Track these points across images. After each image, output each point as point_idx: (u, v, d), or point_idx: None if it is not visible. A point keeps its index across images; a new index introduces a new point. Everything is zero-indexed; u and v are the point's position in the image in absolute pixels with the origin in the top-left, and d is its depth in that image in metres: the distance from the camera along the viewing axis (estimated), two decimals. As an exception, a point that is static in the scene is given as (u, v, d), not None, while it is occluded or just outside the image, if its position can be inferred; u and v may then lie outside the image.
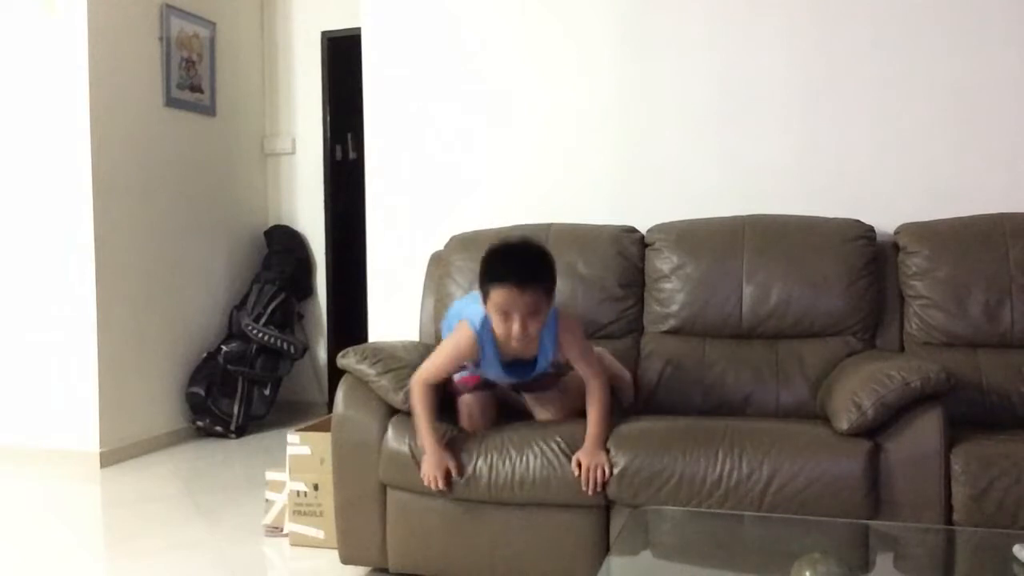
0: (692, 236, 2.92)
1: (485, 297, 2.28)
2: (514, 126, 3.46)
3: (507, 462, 2.36)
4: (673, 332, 2.89)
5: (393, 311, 3.59)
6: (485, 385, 2.53)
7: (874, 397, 2.19)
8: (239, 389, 4.65)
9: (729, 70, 3.20)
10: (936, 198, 2.99)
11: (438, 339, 3.08)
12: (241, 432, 4.63)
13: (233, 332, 4.83)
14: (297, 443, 2.94)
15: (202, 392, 4.55)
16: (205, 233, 4.80)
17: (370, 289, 3.64)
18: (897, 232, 2.87)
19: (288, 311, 4.96)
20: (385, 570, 2.59)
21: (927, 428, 2.19)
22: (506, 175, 3.47)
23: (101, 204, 4.07)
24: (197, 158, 4.73)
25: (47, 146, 4.11)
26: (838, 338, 2.76)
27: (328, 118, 5.22)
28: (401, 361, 2.58)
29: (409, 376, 2.52)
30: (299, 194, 5.29)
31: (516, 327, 2.24)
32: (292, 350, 4.82)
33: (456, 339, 2.39)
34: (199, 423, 4.58)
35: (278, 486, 3.05)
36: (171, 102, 4.51)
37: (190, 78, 4.64)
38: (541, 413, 2.54)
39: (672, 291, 2.89)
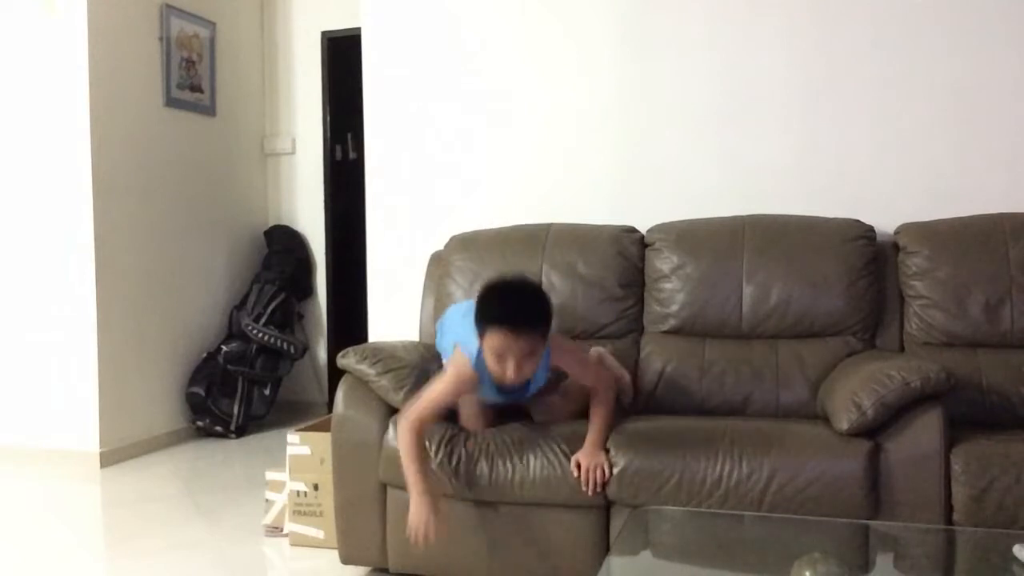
0: (692, 236, 2.92)
1: (481, 335, 2.24)
2: (514, 126, 3.46)
3: (507, 462, 2.36)
4: (673, 332, 2.89)
5: (393, 311, 3.59)
6: None
7: (874, 397, 2.19)
8: (239, 389, 4.65)
9: (729, 70, 3.20)
10: (936, 198, 2.99)
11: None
12: (241, 432, 4.64)
13: (233, 332, 4.83)
14: (297, 443, 2.94)
15: (202, 392, 4.55)
16: (205, 233, 4.80)
17: (370, 289, 3.64)
18: (897, 232, 2.87)
19: (288, 311, 4.96)
20: (385, 570, 2.59)
21: (927, 428, 2.19)
22: (506, 175, 3.47)
23: (101, 204, 4.07)
24: (197, 158, 4.73)
25: (47, 146, 4.11)
26: (838, 338, 2.76)
27: (328, 118, 5.22)
28: (401, 361, 2.58)
29: (409, 376, 2.52)
30: (299, 194, 5.29)
31: (510, 370, 2.22)
32: (292, 350, 4.82)
33: (456, 375, 2.34)
34: (199, 423, 4.58)
35: (278, 486, 3.05)
36: (171, 102, 4.51)
37: (190, 78, 4.65)
38: (542, 415, 2.54)
39: (672, 291, 2.89)
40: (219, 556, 2.89)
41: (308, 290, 5.22)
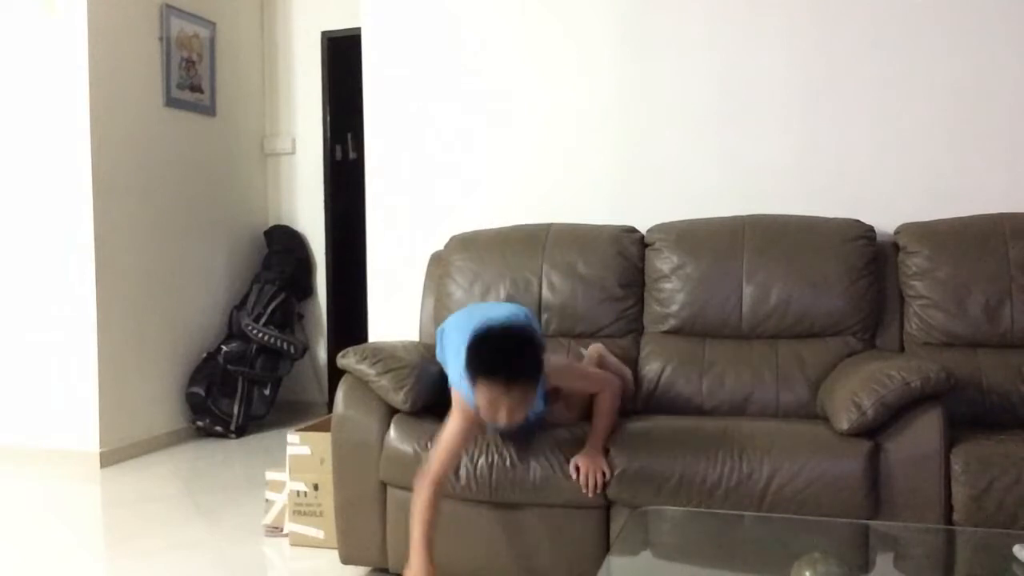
0: (692, 236, 2.92)
1: (471, 384, 2.19)
2: (514, 126, 3.46)
3: (507, 462, 2.36)
4: (673, 332, 2.89)
5: (393, 311, 3.59)
6: None
7: (874, 397, 2.19)
8: (239, 389, 4.65)
9: (729, 70, 3.20)
10: (936, 198, 2.99)
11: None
12: (241, 432, 4.64)
13: (233, 332, 4.83)
14: (297, 443, 2.94)
15: (202, 392, 4.55)
16: (205, 233, 4.80)
17: (370, 289, 3.64)
18: (897, 232, 2.87)
19: (288, 311, 4.96)
20: (385, 570, 2.59)
21: (927, 428, 2.19)
22: (506, 175, 3.47)
23: (101, 204, 4.07)
24: (197, 158, 4.73)
25: (47, 146, 4.11)
26: (838, 338, 2.76)
27: (328, 118, 5.22)
28: (401, 361, 2.58)
29: (409, 376, 2.52)
30: (299, 194, 5.29)
31: (503, 418, 2.20)
32: (292, 350, 4.82)
33: (462, 420, 2.29)
34: (199, 423, 4.58)
35: (278, 486, 3.05)
36: (171, 102, 4.51)
37: (190, 78, 4.65)
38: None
39: (672, 291, 2.89)
40: (219, 556, 2.89)
41: (308, 290, 5.22)
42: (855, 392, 2.24)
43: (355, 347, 2.63)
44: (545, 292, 2.96)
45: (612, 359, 2.72)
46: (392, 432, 2.50)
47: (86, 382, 4.08)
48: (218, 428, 4.57)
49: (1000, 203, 2.93)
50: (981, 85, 2.97)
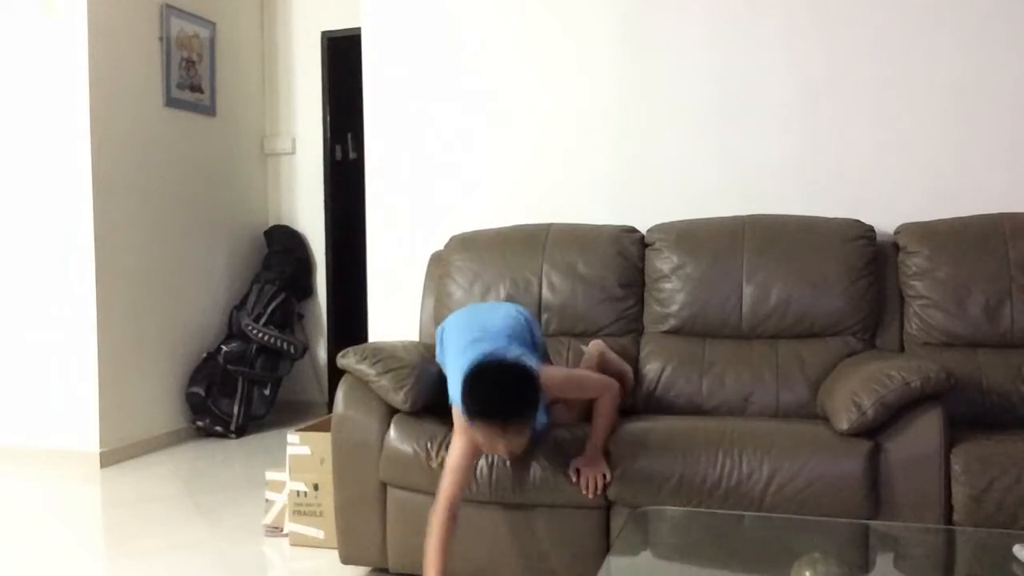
0: (692, 236, 2.92)
1: (469, 422, 2.18)
2: (514, 126, 3.46)
3: (507, 462, 2.36)
4: (673, 332, 2.89)
5: (393, 311, 3.59)
6: None
7: (874, 397, 2.19)
8: (239, 389, 4.65)
9: (729, 70, 3.20)
10: (936, 198, 2.99)
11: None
12: (241, 432, 4.64)
13: (233, 332, 4.83)
14: (297, 443, 2.94)
15: (202, 392, 4.55)
16: (205, 233, 4.80)
17: (370, 289, 3.64)
18: (897, 232, 2.87)
19: (288, 311, 4.96)
20: (385, 570, 2.59)
21: (927, 428, 2.19)
22: (506, 175, 3.47)
23: (101, 204, 4.07)
24: (197, 158, 4.73)
25: (47, 146, 4.11)
26: (838, 338, 2.76)
27: (328, 118, 5.22)
28: (401, 361, 2.58)
29: (409, 376, 2.52)
30: (299, 194, 5.30)
31: (501, 452, 2.22)
32: (292, 350, 4.82)
33: (465, 438, 2.27)
34: (199, 423, 4.58)
35: (278, 486, 3.05)
36: (171, 102, 4.51)
37: (190, 78, 4.65)
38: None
39: (672, 291, 2.89)
40: (219, 556, 2.89)
41: (308, 290, 5.22)
42: (855, 392, 2.24)
43: (355, 347, 2.63)
44: (545, 292, 2.96)
45: (613, 356, 2.72)
46: (392, 432, 2.50)
47: (86, 382, 4.08)
48: (218, 428, 4.57)
49: (1000, 203, 2.93)
50: (981, 85, 2.97)
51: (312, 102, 5.24)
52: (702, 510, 2.21)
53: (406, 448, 2.46)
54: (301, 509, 2.94)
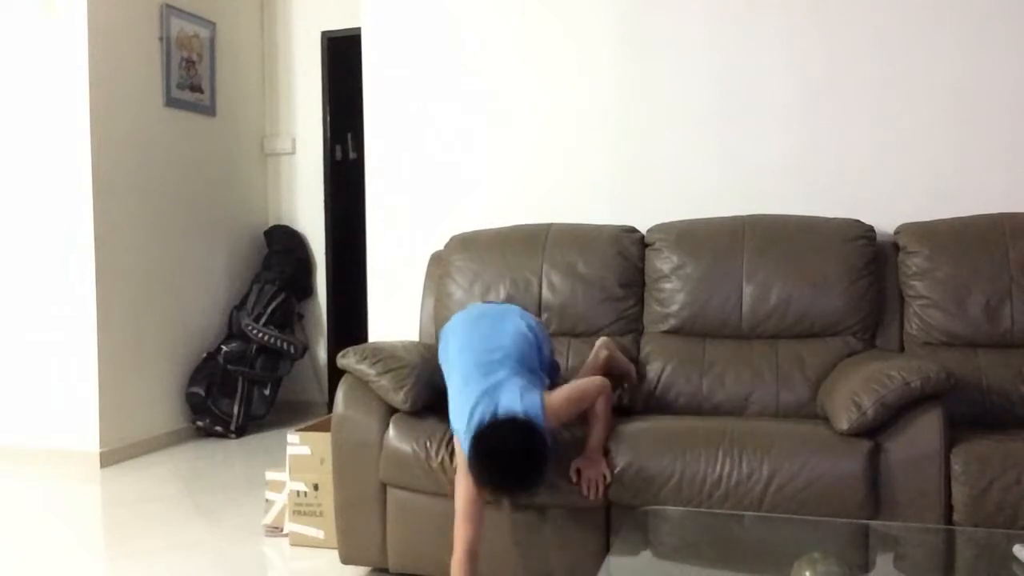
0: (692, 236, 2.92)
1: (476, 484, 2.16)
2: (514, 126, 3.46)
3: (507, 462, 2.36)
4: (673, 332, 2.89)
5: (393, 311, 3.59)
6: None
7: (874, 397, 2.19)
8: (239, 389, 4.65)
9: (729, 70, 3.20)
10: (936, 198, 2.99)
11: (438, 340, 3.08)
12: (241, 432, 4.64)
13: (233, 332, 4.83)
14: (297, 443, 2.94)
15: (202, 392, 4.55)
16: (205, 233, 4.80)
17: (370, 289, 3.64)
18: (897, 232, 2.87)
19: (288, 311, 4.96)
20: (385, 570, 2.59)
21: (927, 428, 2.19)
22: (506, 175, 3.48)
23: (101, 204, 4.07)
24: (197, 158, 4.73)
25: (47, 146, 4.11)
26: (838, 338, 2.76)
27: (328, 118, 5.22)
28: (401, 361, 2.58)
29: (409, 376, 2.52)
30: (299, 194, 5.30)
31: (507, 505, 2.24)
32: (292, 350, 4.82)
33: (472, 491, 2.22)
34: (199, 423, 4.58)
35: (278, 486, 3.05)
36: (171, 102, 4.51)
37: (190, 78, 4.65)
38: None
39: (672, 291, 2.89)
40: (219, 556, 2.89)
41: (308, 290, 5.22)
42: (855, 392, 2.24)
43: (355, 347, 2.63)
44: (545, 292, 2.96)
45: (619, 355, 2.72)
46: (391, 432, 2.50)
47: (86, 382, 4.08)
48: (218, 428, 4.57)
49: (1000, 203, 2.93)
50: (981, 85, 2.97)
51: (312, 102, 5.24)
52: (702, 510, 2.21)
53: (405, 448, 2.46)
54: (301, 509, 2.94)
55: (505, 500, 2.17)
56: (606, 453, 2.33)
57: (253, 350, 4.73)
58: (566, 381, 2.53)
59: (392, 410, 2.54)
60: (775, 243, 2.83)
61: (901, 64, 3.04)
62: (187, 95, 4.62)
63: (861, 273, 2.77)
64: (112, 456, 4.10)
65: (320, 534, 2.91)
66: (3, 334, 4.25)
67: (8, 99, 4.17)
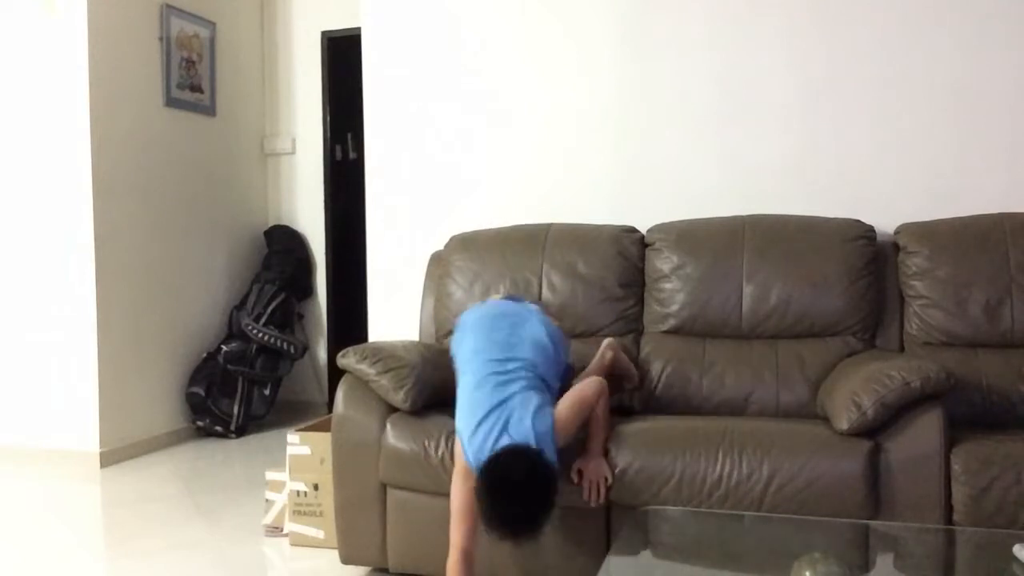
0: (692, 236, 2.92)
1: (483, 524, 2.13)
2: (514, 126, 3.46)
3: (507, 462, 2.36)
4: (673, 332, 2.89)
5: (393, 311, 3.59)
6: None
7: (874, 397, 2.19)
8: (239, 389, 4.65)
9: (729, 70, 3.20)
10: (936, 198, 2.99)
11: (438, 339, 3.08)
12: (241, 432, 4.64)
13: (233, 332, 4.83)
14: (297, 443, 2.94)
15: (202, 392, 4.55)
16: (205, 233, 4.80)
17: (370, 289, 3.64)
18: (897, 232, 2.87)
19: (288, 311, 4.96)
20: (385, 570, 2.59)
21: (927, 428, 2.19)
22: (506, 175, 3.48)
23: (101, 204, 4.07)
24: (197, 158, 4.73)
25: (47, 146, 4.11)
26: (838, 338, 2.76)
27: (328, 118, 5.22)
28: (401, 361, 2.58)
29: (409, 375, 2.52)
30: (299, 194, 5.30)
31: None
32: (292, 350, 4.82)
33: (468, 492, 2.21)
34: (199, 423, 4.58)
35: (278, 486, 3.05)
36: (171, 102, 4.51)
37: (190, 78, 4.65)
38: None
39: (672, 291, 2.89)
40: (219, 556, 2.89)
41: (308, 290, 5.22)
42: (855, 392, 2.24)
43: (355, 347, 2.63)
44: (545, 292, 2.96)
45: (623, 357, 2.72)
46: (389, 432, 2.49)
47: (86, 382, 4.08)
48: (218, 428, 4.57)
49: (1000, 203, 2.93)
50: (981, 85, 2.97)
51: (312, 102, 5.24)
52: (702, 510, 2.21)
53: (403, 447, 2.46)
54: (301, 509, 2.94)
55: (509, 542, 2.11)
56: (606, 454, 2.33)
57: (253, 350, 4.73)
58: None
59: (392, 409, 2.54)
60: (775, 243, 2.83)
61: (901, 64, 3.04)
62: (187, 95, 4.63)
63: (861, 273, 2.77)
64: (112, 456, 4.10)
65: (320, 534, 2.91)
66: (3, 334, 4.25)
67: (8, 99, 4.17)
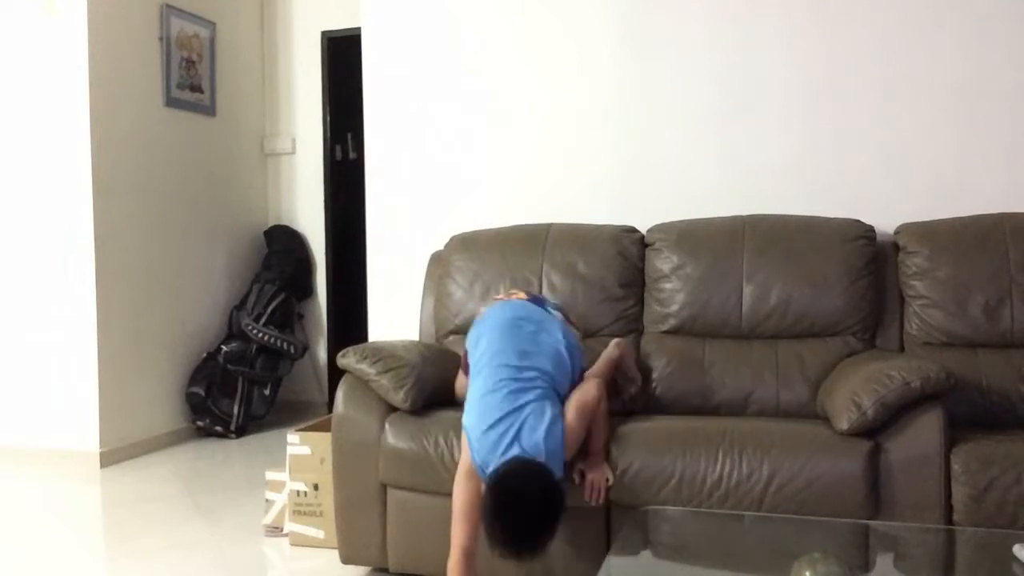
0: (692, 236, 2.92)
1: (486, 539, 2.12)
2: (514, 126, 3.46)
3: (507, 462, 2.36)
4: (673, 332, 2.89)
5: (393, 311, 3.59)
6: None
7: (874, 397, 2.19)
8: (239, 389, 4.65)
9: (729, 70, 3.20)
10: (936, 198, 2.99)
11: (438, 339, 3.08)
12: (241, 432, 4.64)
13: (233, 332, 4.83)
14: (297, 443, 2.94)
15: (202, 392, 4.55)
16: (205, 233, 4.80)
17: (370, 289, 3.64)
18: (897, 232, 2.87)
19: (288, 311, 4.96)
20: (385, 570, 2.59)
21: (927, 428, 2.19)
22: (506, 175, 3.48)
23: (101, 204, 4.07)
24: (197, 158, 4.73)
25: (47, 146, 4.11)
26: (838, 338, 2.76)
27: (328, 118, 5.22)
28: (401, 361, 2.58)
29: (409, 375, 2.52)
30: (299, 194, 5.30)
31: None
32: (292, 350, 4.82)
33: (471, 491, 2.21)
34: (199, 423, 4.58)
35: (278, 486, 3.05)
36: (171, 102, 4.51)
37: (190, 78, 4.65)
38: None
39: (672, 291, 2.89)
40: (219, 556, 2.89)
41: (308, 290, 5.22)
42: (855, 392, 2.24)
43: (355, 347, 2.63)
44: (545, 292, 2.96)
45: (630, 359, 2.72)
46: (388, 431, 2.49)
47: (86, 382, 4.08)
48: (218, 428, 4.57)
49: (1000, 203, 2.93)
50: (981, 85, 2.97)
51: (312, 102, 5.24)
52: (702, 510, 2.21)
53: (404, 447, 2.46)
54: (301, 509, 2.94)
55: (512, 561, 2.10)
56: (607, 455, 2.33)
57: (253, 350, 4.73)
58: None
59: (391, 409, 2.54)
60: (775, 243, 2.83)
61: (901, 64, 3.04)
62: (187, 95, 4.63)
63: (861, 273, 2.77)
64: (112, 456, 4.10)
65: (320, 534, 2.91)
66: (3, 334, 4.25)
67: (8, 99, 4.17)
